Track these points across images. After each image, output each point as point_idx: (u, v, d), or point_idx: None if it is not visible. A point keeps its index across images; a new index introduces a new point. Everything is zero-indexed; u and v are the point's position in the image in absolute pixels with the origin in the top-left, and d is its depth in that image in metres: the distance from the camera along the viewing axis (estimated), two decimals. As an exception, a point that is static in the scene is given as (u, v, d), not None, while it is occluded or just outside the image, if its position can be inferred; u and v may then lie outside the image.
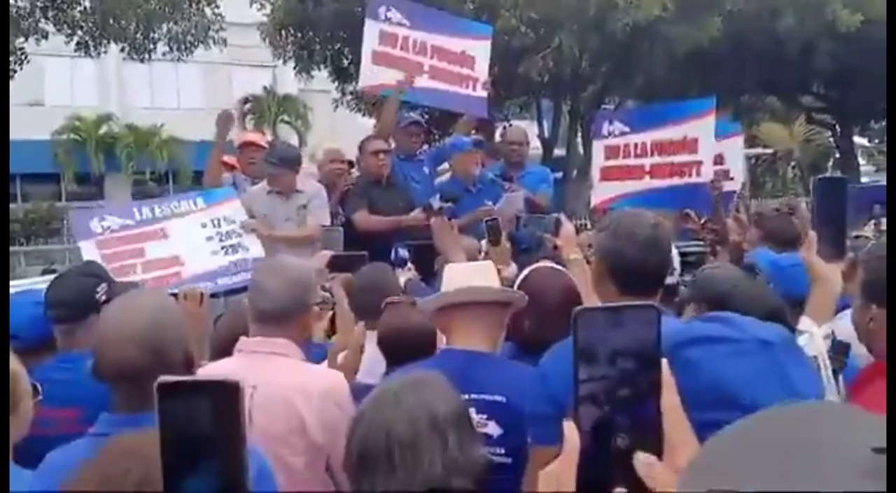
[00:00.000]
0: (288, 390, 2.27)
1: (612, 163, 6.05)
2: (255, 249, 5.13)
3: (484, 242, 4.40)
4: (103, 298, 2.87)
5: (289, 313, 2.43)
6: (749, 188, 26.75)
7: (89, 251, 4.87)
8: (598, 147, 6.23)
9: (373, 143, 5.77)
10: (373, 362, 2.96)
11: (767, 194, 27.92)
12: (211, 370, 2.42)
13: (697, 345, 1.57)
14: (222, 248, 5.14)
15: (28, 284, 4.66)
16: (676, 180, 5.85)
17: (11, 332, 2.97)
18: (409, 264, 4.26)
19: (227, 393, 0.95)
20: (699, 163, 5.76)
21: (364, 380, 2.80)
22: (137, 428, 1.81)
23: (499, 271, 3.20)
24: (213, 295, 3.99)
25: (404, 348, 2.79)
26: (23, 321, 2.97)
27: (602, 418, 0.91)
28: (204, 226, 5.16)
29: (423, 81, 5.96)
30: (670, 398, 0.93)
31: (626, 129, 6.05)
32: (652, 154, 5.91)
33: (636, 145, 5.98)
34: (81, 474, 1.45)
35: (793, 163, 28.05)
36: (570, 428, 0.93)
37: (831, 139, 23.40)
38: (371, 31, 5.77)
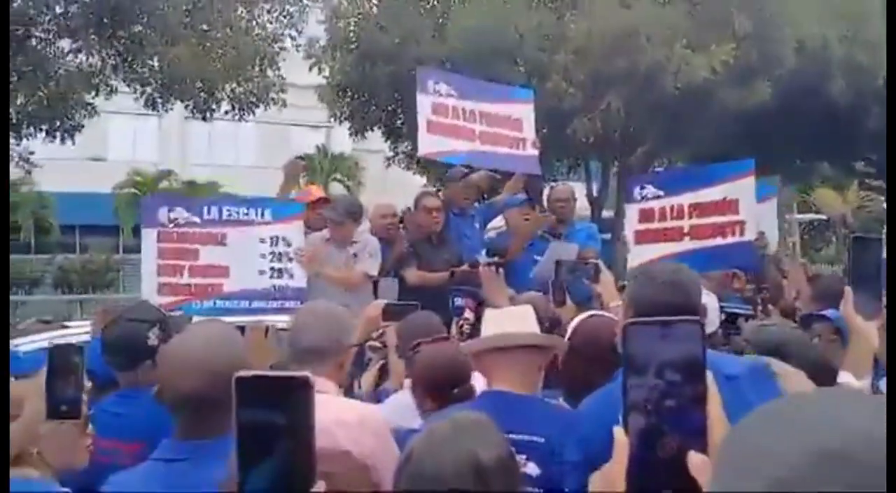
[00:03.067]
0: (326, 423, 2.31)
1: (646, 226, 5.93)
2: (299, 278, 5.32)
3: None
4: (156, 342, 2.96)
5: (326, 351, 2.51)
6: (802, 255, 26.34)
7: (149, 241, 5.18)
8: (631, 211, 6.12)
9: (427, 199, 5.94)
10: (409, 408, 3.03)
11: (822, 260, 27.44)
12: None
13: None
14: (271, 269, 5.32)
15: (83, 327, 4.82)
16: (719, 240, 5.73)
17: (89, 368, 3.11)
18: (467, 313, 4.33)
19: (298, 387, 1.07)
20: (742, 222, 5.65)
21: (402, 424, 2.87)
22: (197, 454, 1.91)
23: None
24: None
25: (438, 380, 2.88)
26: (98, 361, 3.08)
27: (649, 425, 0.98)
28: (262, 241, 5.33)
29: (475, 146, 6.14)
30: (715, 409, 1.00)
31: (660, 192, 5.94)
32: (690, 216, 5.80)
33: (672, 208, 5.86)
34: None
35: (847, 230, 27.58)
36: (619, 433, 1.00)
37: (885, 205, 23.01)
38: (423, 103, 5.98)
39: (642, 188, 6.08)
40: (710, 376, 1.03)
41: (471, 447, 1.64)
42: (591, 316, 3.12)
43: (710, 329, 2.89)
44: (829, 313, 3.82)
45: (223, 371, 1.88)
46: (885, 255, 2.25)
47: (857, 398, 0.72)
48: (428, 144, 6.00)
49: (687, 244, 5.84)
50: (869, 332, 2.12)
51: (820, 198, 25.90)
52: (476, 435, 1.69)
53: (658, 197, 5.93)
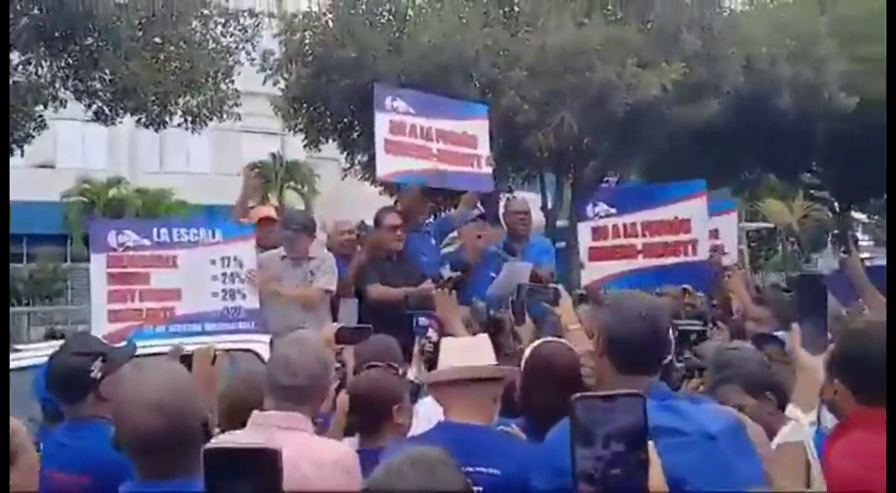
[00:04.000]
0: (300, 461, 2.31)
1: (600, 243, 5.99)
2: (251, 299, 5.27)
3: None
4: (99, 374, 2.90)
5: (310, 390, 2.51)
6: (749, 262, 26.89)
7: (98, 267, 5.06)
8: (583, 229, 6.19)
9: (390, 217, 5.94)
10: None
11: (769, 268, 28.09)
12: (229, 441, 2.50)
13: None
14: (223, 291, 5.23)
15: (36, 350, 4.75)
16: (672, 259, 5.84)
17: (40, 396, 3.10)
18: (430, 332, 4.38)
19: (267, 460, 1.11)
20: (694, 242, 5.78)
21: None
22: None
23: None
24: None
25: (362, 406, 2.96)
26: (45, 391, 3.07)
27: None
28: (213, 263, 5.24)
29: (432, 164, 6.15)
30: (655, 475, 1.08)
31: (612, 210, 6.00)
32: (643, 235, 5.90)
33: (625, 226, 5.94)
34: None
35: (792, 238, 28.28)
36: None
37: (830, 215, 23.68)
38: (381, 122, 5.97)
39: (595, 206, 6.13)
40: (650, 445, 1.10)
41: (430, 481, 1.67)
42: (545, 342, 3.17)
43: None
44: (780, 334, 3.95)
45: (184, 409, 1.94)
46: (828, 293, 2.33)
47: None
48: (386, 165, 5.99)
49: (640, 262, 5.92)
50: (815, 367, 2.20)
51: (767, 208, 26.51)
52: (433, 471, 1.73)
53: (610, 215, 5.99)
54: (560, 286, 4.33)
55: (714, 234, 6.51)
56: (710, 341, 4.27)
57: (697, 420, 1.81)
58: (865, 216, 26.44)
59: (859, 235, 23.74)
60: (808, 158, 17.45)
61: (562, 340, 3.27)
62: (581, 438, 1.07)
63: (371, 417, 2.95)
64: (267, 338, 4.07)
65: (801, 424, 2.16)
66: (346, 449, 2.61)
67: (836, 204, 21.20)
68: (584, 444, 1.07)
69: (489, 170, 6.53)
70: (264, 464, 1.10)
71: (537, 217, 11.69)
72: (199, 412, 2.01)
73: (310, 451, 2.40)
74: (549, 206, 15.34)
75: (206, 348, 3.22)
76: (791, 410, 2.19)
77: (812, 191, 22.02)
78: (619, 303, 2.36)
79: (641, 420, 1.09)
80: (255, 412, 2.50)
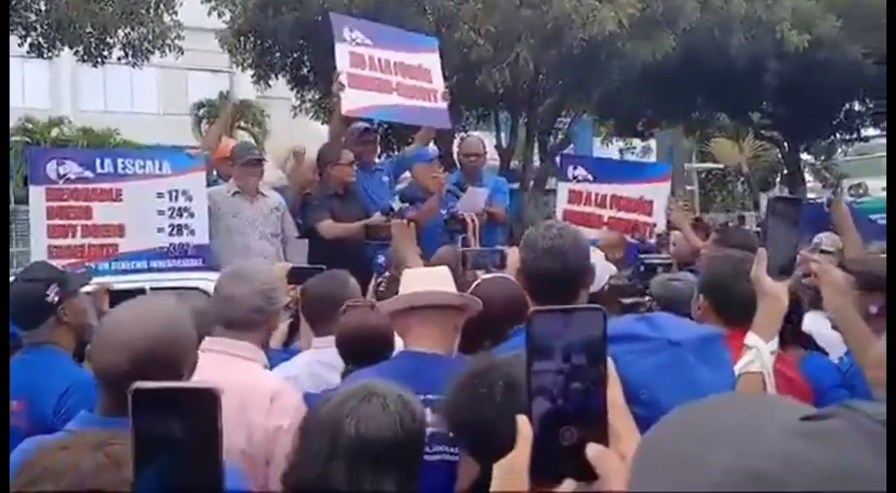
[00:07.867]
0: (242, 393, 2.31)
1: (574, 208, 6.34)
2: (200, 235, 5.14)
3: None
4: (55, 298, 2.99)
5: (258, 321, 2.55)
6: (700, 202, 27.26)
7: (37, 199, 4.86)
8: (562, 189, 6.51)
9: (346, 154, 5.81)
10: (316, 373, 3.02)
11: (718, 208, 28.49)
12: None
13: (612, 343, 1.65)
14: (169, 225, 5.08)
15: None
16: (629, 237, 6.24)
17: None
18: (389, 272, 4.32)
19: (204, 400, 0.97)
20: (653, 225, 6.21)
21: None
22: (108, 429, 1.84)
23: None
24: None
25: (361, 349, 2.87)
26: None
27: (553, 410, 0.99)
28: (160, 196, 5.06)
29: (393, 99, 6.00)
30: (614, 392, 1.02)
31: (590, 177, 6.39)
32: (611, 207, 6.28)
33: (597, 195, 6.33)
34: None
35: (742, 178, 28.66)
36: (523, 421, 1.00)
37: (779, 155, 23.97)
38: (341, 54, 5.78)
39: (575, 168, 6.46)
40: (610, 363, 1.05)
41: (340, 422, 1.62)
42: (489, 277, 3.22)
43: (596, 287, 2.98)
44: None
45: (153, 350, 1.86)
46: (801, 215, 2.26)
47: (786, 410, 0.71)
48: (352, 100, 5.77)
49: (602, 233, 6.30)
50: (778, 293, 2.12)
51: (717, 148, 26.72)
52: (362, 409, 1.66)
53: (587, 180, 6.33)
54: (505, 248, 4.36)
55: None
56: (662, 276, 4.33)
57: (667, 328, 1.75)
58: (813, 157, 26.82)
59: (807, 176, 24.08)
60: (759, 97, 17.53)
61: (504, 274, 3.30)
62: (539, 351, 1.00)
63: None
64: (215, 276, 3.99)
65: (760, 352, 2.09)
66: (289, 386, 2.56)
67: (785, 144, 21.43)
68: (543, 357, 1.00)
69: (445, 105, 6.42)
70: (201, 405, 0.97)
71: (491, 156, 11.58)
72: (176, 363, 1.95)
73: (254, 383, 2.37)
74: (504, 146, 15.22)
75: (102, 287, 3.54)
76: (751, 338, 2.11)
77: (762, 130, 22.20)
78: (529, 236, 2.41)
79: (601, 334, 1.02)
80: (206, 338, 2.46)
